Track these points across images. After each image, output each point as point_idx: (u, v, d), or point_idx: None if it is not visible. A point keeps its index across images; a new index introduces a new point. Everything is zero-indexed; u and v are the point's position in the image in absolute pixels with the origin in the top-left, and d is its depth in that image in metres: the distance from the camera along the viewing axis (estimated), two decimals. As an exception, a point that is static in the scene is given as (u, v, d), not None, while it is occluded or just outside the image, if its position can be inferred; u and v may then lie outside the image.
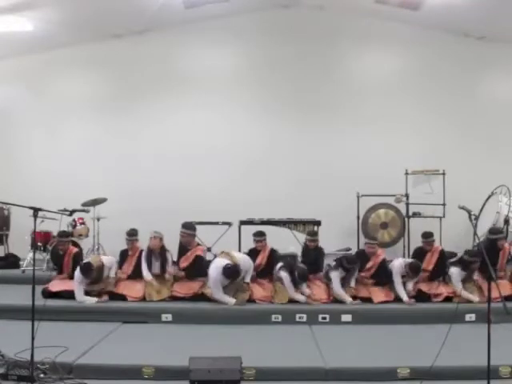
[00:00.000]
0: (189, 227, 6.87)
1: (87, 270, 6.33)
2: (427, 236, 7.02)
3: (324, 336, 5.59)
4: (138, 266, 6.80)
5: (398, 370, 4.50)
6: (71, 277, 6.58)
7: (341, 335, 5.72)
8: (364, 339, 5.55)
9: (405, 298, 6.45)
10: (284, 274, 6.52)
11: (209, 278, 6.46)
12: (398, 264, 6.64)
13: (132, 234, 6.93)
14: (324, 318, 6.20)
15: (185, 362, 4.35)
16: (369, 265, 6.76)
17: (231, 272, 6.35)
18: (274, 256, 6.94)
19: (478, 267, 6.46)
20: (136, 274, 6.76)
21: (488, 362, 3.81)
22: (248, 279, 6.61)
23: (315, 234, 7.33)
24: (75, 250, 7.10)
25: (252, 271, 6.66)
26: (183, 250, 6.87)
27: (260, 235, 7.06)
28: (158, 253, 6.79)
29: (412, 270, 6.49)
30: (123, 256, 6.95)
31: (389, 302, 6.51)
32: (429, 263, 6.84)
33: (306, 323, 6.15)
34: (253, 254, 6.94)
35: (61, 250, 6.98)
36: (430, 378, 4.35)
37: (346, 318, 6.22)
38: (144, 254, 6.82)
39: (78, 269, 6.41)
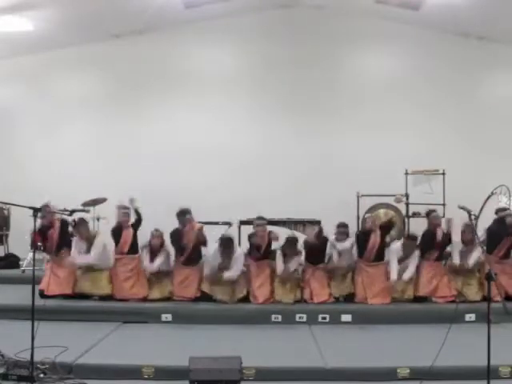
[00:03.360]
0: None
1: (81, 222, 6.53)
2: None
3: (324, 336, 5.59)
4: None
5: (397, 370, 4.50)
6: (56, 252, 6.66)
7: (341, 335, 5.73)
8: (364, 339, 5.55)
9: (394, 276, 6.49)
10: (278, 252, 6.67)
11: (205, 257, 6.63)
12: (395, 246, 6.77)
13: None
14: (324, 318, 6.20)
15: (185, 362, 4.35)
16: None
17: (225, 240, 6.51)
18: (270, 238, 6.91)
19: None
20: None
21: (488, 362, 3.81)
22: (235, 273, 6.57)
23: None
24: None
25: (241, 267, 6.65)
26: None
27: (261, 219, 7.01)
28: (158, 250, 6.80)
29: (409, 238, 6.68)
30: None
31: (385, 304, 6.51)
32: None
33: (306, 323, 6.16)
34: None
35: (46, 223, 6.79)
36: (430, 378, 4.35)
37: (346, 318, 6.22)
38: (146, 249, 6.85)
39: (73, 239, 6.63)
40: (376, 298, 6.54)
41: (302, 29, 9.65)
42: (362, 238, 6.87)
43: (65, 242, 6.80)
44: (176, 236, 6.77)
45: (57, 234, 6.76)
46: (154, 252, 6.78)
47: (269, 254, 6.83)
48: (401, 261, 6.70)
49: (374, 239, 6.74)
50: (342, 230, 6.85)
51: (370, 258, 6.72)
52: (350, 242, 6.82)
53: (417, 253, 6.74)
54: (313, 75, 9.65)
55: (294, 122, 9.66)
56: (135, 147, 9.60)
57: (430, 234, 6.82)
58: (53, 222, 6.80)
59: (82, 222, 6.76)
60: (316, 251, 6.78)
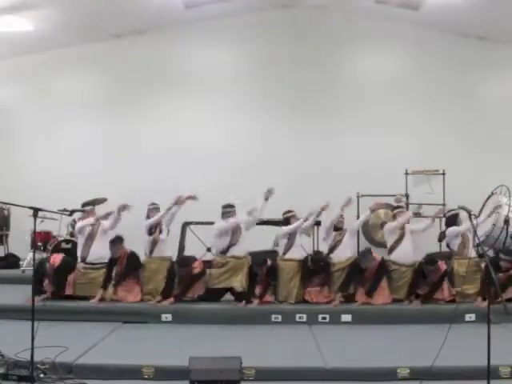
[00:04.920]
0: None
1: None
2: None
3: (324, 336, 5.58)
4: None
5: (397, 370, 4.49)
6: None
7: (341, 335, 5.72)
8: (364, 339, 5.54)
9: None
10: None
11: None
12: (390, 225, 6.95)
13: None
14: (324, 318, 6.20)
15: (185, 362, 4.34)
16: None
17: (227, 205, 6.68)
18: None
19: None
20: None
21: (488, 362, 3.81)
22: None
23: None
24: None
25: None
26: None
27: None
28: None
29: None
30: None
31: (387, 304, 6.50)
32: None
33: (306, 323, 6.15)
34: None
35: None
36: (430, 378, 4.34)
37: (346, 318, 6.21)
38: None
39: None
40: (376, 297, 6.53)
41: (302, 29, 9.66)
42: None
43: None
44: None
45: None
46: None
47: (269, 255, 6.83)
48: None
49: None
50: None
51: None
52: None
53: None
54: (313, 75, 9.66)
55: (294, 121, 9.66)
56: (135, 147, 9.60)
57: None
58: None
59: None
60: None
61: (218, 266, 6.63)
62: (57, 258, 6.49)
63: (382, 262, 6.62)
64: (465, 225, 6.70)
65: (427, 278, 6.48)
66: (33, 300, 4.27)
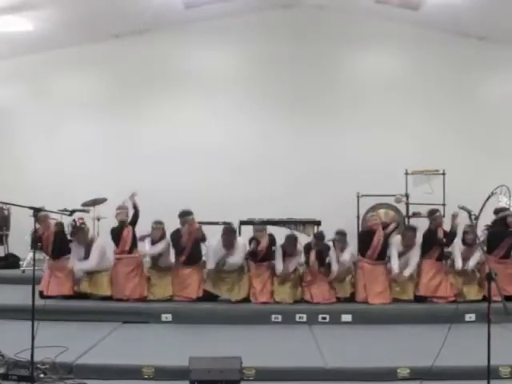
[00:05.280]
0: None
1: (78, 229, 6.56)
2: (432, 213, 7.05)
3: (324, 336, 5.59)
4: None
5: (397, 370, 4.49)
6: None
7: (341, 335, 5.72)
8: (364, 339, 5.54)
9: (395, 268, 6.57)
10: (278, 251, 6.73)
11: (207, 250, 6.72)
12: (395, 239, 6.86)
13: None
14: (324, 318, 6.20)
15: (185, 362, 4.35)
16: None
17: (228, 229, 6.64)
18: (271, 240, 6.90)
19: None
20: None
21: (488, 362, 3.81)
22: (239, 259, 6.64)
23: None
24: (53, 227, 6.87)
25: (243, 255, 6.69)
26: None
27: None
28: (159, 241, 6.82)
29: (409, 229, 6.82)
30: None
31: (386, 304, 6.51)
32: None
33: (306, 323, 6.16)
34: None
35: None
36: (430, 378, 4.35)
37: (346, 317, 6.22)
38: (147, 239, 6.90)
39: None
40: (376, 297, 6.53)
41: (302, 29, 9.65)
42: (366, 236, 6.88)
43: (62, 247, 6.78)
44: (176, 236, 6.78)
45: (51, 239, 6.73)
46: (154, 243, 6.79)
47: (269, 256, 6.84)
48: (401, 255, 6.73)
49: (378, 238, 6.74)
50: (340, 237, 6.75)
51: (373, 257, 6.73)
52: (348, 254, 6.72)
53: (417, 248, 6.77)
54: (313, 75, 9.65)
55: (294, 121, 9.66)
56: (135, 147, 9.60)
57: (431, 234, 6.82)
58: (47, 226, 6.77)
59: (79, 229, 6.69)
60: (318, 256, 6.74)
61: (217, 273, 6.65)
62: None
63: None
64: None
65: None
66: (33, 300, 4.27)
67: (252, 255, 6.73)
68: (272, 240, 6.86)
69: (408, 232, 6.81)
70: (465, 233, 6.75)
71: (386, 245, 6.77)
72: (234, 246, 6.63)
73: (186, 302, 6.54)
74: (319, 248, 6.64)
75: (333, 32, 9.61)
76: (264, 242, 6.74)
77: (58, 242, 6.75)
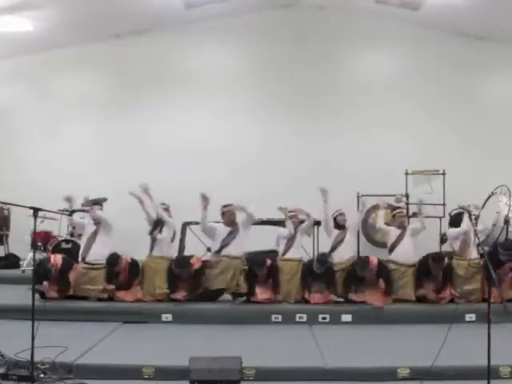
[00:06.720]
0: None
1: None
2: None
3: (324, 336, 5.59)
4: None
5: (397, 370, 4.49)
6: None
7: (341, 335, 5.72)
8: (364, 339, 5.54)
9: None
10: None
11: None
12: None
13: None
14: (324, 318, 6.20)
15: (185, 362, 4.35)
16: None
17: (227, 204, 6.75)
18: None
19: None
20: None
21: (488, 362, 3.81)
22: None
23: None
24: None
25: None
26: None
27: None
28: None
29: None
30: None
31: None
32: None
33: (306, 323, 6.15)
34: None
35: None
36: (430, 378, 4.34)
37: (346, 317, 6.22)
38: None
39: None
40: (376, 298, 6.52)
41: (302, 29, 9.66)
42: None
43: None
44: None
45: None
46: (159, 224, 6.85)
47: (269, 256, 6.83)
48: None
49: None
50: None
51: None
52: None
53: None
54: (313, 75, 9.66)
55: (294, 121, 9.66)
56: (135, 147, 9.60)
57: None
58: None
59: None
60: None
61: (212, 267, 6.63)
62: (57, 259, 6.48)
63: (380, 264, 6.55)
64: (464, 225, 6.69)
65: (431, 275, 6.46)
66: (33, 300, 4.27)
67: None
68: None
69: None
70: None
71: None
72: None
73: (185, 301, 6.49)
74: (322, 272, 6.51)
75: (333, 32, 9.61)
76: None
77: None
